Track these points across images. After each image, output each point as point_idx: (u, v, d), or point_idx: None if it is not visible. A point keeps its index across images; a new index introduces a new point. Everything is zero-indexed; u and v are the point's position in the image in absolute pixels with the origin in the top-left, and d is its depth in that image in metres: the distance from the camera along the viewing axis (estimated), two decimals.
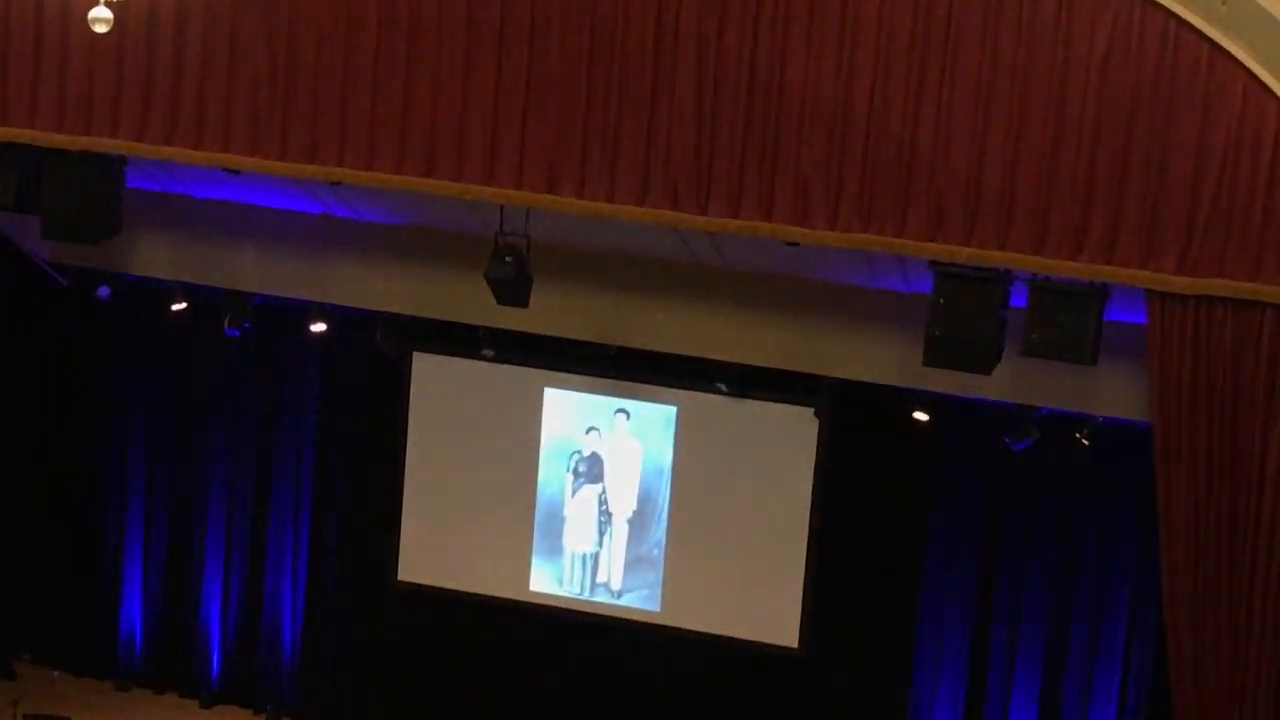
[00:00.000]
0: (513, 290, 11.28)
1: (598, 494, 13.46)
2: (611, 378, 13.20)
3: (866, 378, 12.20)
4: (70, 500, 14.47)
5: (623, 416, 13.33)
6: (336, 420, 14.00)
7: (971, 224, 9.52)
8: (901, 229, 9.65)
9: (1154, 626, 12.08)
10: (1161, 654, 10.50)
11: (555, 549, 13.55)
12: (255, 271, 13.04)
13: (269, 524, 14.13)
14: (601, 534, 13.48)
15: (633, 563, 13.43)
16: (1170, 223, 9.29)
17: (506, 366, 13.36)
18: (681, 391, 13.15)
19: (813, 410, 12.87)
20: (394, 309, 13.01)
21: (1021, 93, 9.36)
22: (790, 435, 13.02)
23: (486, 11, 10.00)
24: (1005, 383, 11.20)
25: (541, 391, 13.43)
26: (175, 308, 13.48)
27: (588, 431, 13.41)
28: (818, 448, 12.96)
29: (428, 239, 12.40)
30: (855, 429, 12.92)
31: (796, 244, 10.05)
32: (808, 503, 13.02)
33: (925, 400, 12.33)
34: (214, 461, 14.19)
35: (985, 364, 10.15)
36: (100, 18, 6.62)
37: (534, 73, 10.00)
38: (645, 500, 13.38)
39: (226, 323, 13.35)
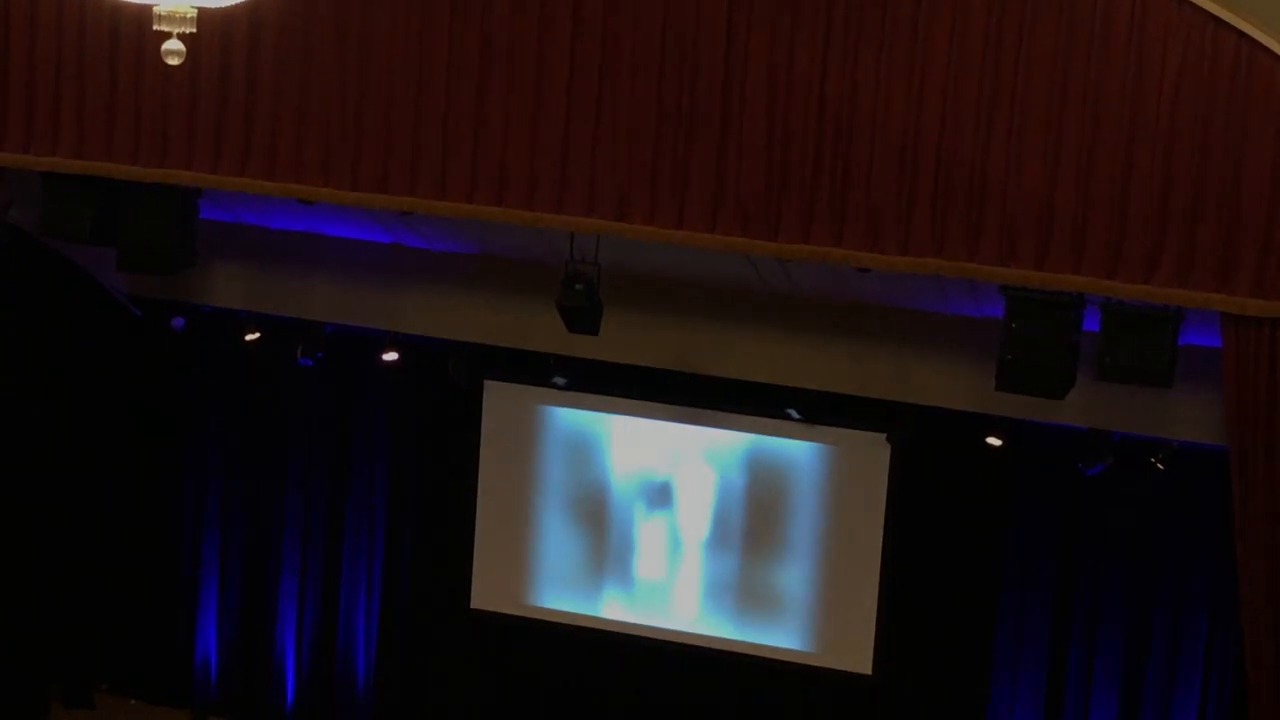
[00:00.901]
0: (584, 318, 11.30)
1: (669, 521, 13.45)
2: (683, 404, 13.19)
3: (939, 403, 12.16)
4: (146, 530, 14.56)
5: (694, 443, 13.31)
6: (409, 449, 14.03)
7: (1044, 248, 9.44)
8: (973, 254, 9.58)
9: (1233, 652, 11.96)
10: (1241, 679, 10.41)
11: (627, 576, 13.54)
12: (327, 301, 13.13)
13: (343, 553, 14.18)
14: (673, 561, 13.47)
15: (705, 589, 13.39)
16: (1245, 245, 9.18)
17: (578, 394, 13.38)
18: (753, 418, 13.11)
19: (885, 436, 12.82)
20: (465, 337, 13.05)
21: (1093, 116, 9.28)
22: (863, 461, 12.97)
23: (557, 40, 10.02)
24: (1079, 407, 11.14)
25: (613, 419, 13.43)
26: (249, 338, 13.54)
27: (659, 458, 13.40)
28: (890, 473, 12.90)
29: (498, 267, 12.44)
30: (928, 454, 12.86)
31: (867, 269, 10.03)
32: (881, 528, 12.96)
33: (998, 425, 12.27)
34: (288, 490, 14.24)
35: (1058, 388, 10.09)
36: (173, 50, 6.66)
37: (604, 100, 10.00)
38: (717, 527, 13.34)
39: (299, 352, 13.42)
